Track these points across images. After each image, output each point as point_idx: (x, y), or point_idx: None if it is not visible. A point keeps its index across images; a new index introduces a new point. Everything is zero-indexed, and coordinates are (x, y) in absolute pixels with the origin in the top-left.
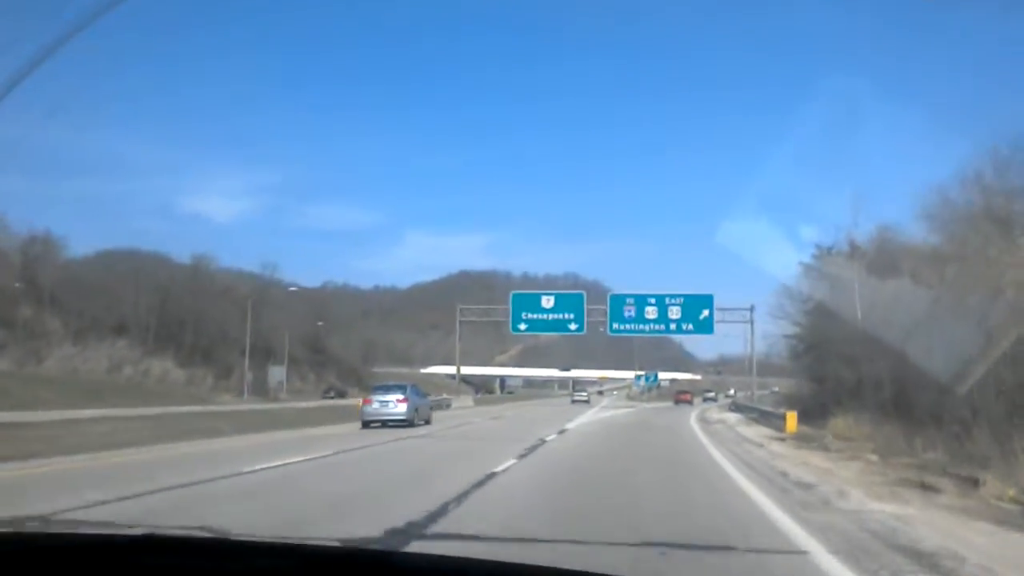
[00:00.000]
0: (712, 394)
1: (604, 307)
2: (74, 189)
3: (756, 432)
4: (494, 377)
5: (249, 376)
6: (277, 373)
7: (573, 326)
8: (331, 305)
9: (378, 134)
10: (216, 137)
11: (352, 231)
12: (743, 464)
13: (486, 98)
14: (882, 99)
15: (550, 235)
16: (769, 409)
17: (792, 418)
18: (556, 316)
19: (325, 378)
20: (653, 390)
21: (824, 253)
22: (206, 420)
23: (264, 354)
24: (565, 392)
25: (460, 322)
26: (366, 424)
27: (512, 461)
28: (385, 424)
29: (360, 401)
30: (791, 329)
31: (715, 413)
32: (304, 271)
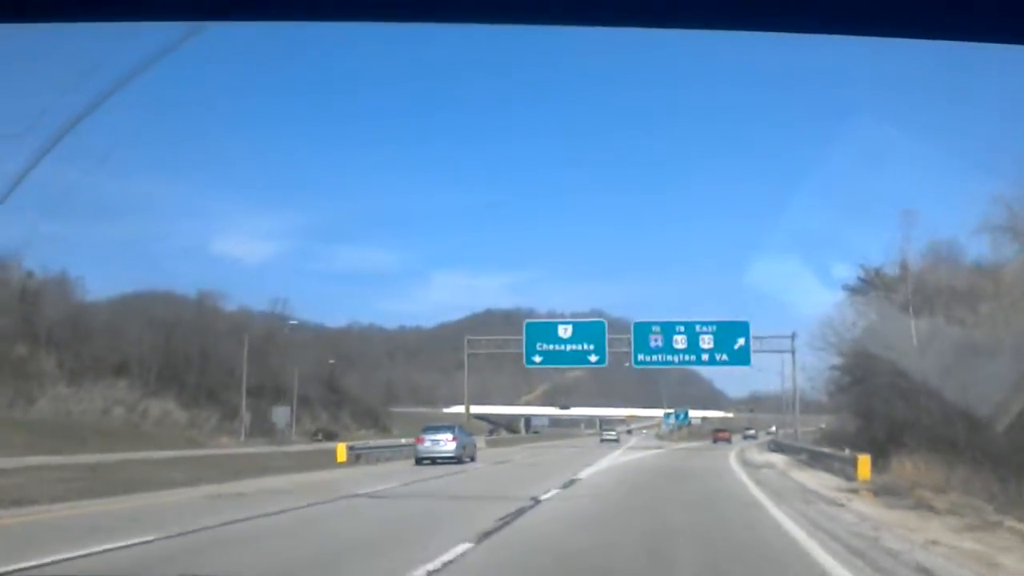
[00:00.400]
0: (752, 431)
1: (628, 336)
2: (108, 233)
3: (818, 481)
4: (518, 416)
5: (247, 417)
6: (282, 414)
7: (593, 358)
8: (350, 344)
9: (405, 173)
10: (245, 180)
11: (379, 272)
12: (844, 548)
13: (512, 135)
14: (913, 137)
15: (576, 273)
16: (821, 449)
17: (865, 464)
18: (574, 347)
19: (341, 419)
20: (683, 428)
21: (872, 275)
22: (166, 468)
23: (274, 394)
24: (592, 432)
25: (468, 355)
26: (419, 461)
27: (459, 548)
28: (435, 461)
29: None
30: (832, 361)
31: (756, 453)
32: (330, 312)
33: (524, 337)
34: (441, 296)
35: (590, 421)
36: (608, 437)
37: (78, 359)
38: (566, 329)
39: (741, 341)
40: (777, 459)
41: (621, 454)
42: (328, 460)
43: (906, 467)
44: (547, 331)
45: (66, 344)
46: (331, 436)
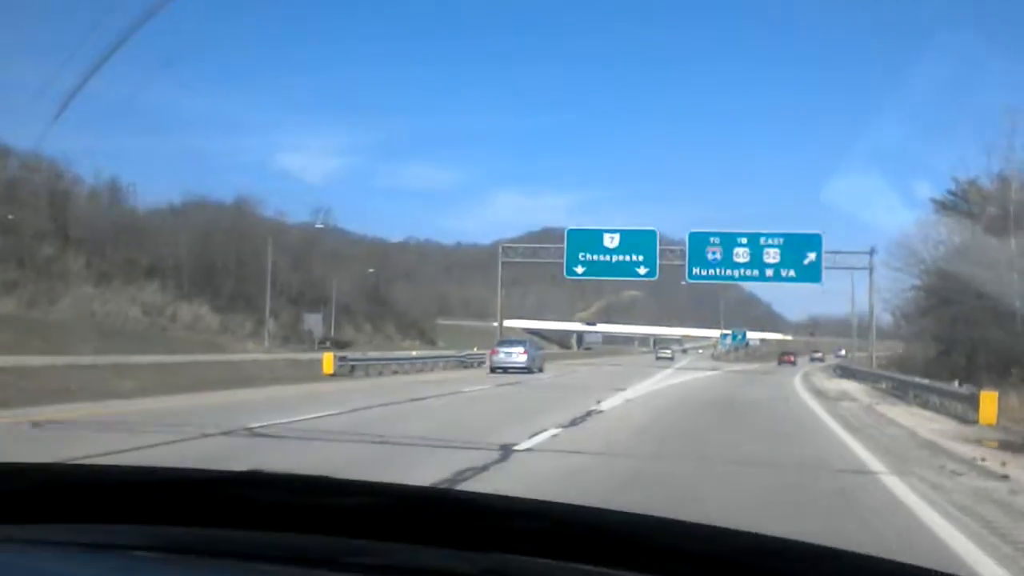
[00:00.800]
0: (819, 354)
1: (682, 248)
2: (171, 145)
3: (925, 423)
4: (571, 332)
5: (271, 323)
6: (313, 321)
7: (643, 270)
8: (406, 258)
9: (469, 92)
10: (313, 96)
11: (440, 190)
12: None
13: (580, 61)
14: (998, 55)
15: (638, 194)
16: (914, 379)
17: (991, 403)
18: (621, 258)
19: (384, 330)
20: (740, 350)
21: (965, 188)
22: (128, 373)
23: (313, 303)
24: (646, 350)
25: (503, 264)
26: (493, 370)
27: None
28: (506, 371)
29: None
30: (910, 282)
31: (824, 379)
32: (390, 227)
33: (565, 245)
34: (501, 214)
35: (644, 340)
36: (663, 355)
37: (107, 260)
38: (612, 238)
39: (812, 256)
40: (852, 387)
41: (670, 375)
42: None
43: (1012, 403)
44: (591, 239)
45: (97, 246)
46: (342, 345)
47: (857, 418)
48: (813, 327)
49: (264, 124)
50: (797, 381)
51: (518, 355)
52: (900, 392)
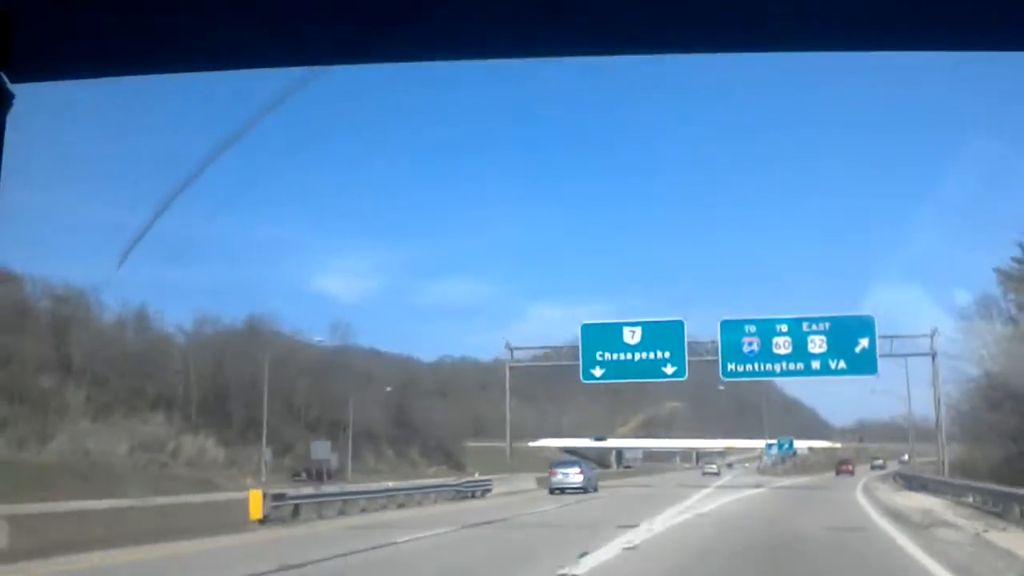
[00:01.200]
0: (880, 461)
1: (714, 341)
2: (202, 272)
3: None
4: (609, 449)
5: (267, 454)
6: (321, 449)
7: (670, 369)
8: (441, 377)
9: (502, 206)
10: (345, 218)
11: (474, 306)
12: None
13: (610, 171)
14: None
15: (673, 304)
16: (1014, 490)
17: None
18: (645, 355)
19: (408, 455)
20: (787, 461)
21: None
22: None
23: (329, 429)
24: (689, 465)
25: (509, 368)
26: (552, 491)
27: None
28: (564, 491)
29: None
30: (970, 374)
31: (891, 493)
32: (423, 346)
33: (580, 344)
34: (538, 328)
35: (686, 454)
36: (709, 470)
37: (111, 391)
38: (634, 332)
39: (864, 343)
40: (932, 504)
41: (705, 497)
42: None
43: None
44: (609, 335)
45: (99, 376)
46: (321, 476)
47: (983, 563)
48: (862, 432)
49: (295, 247)
50: (861, 497)
51: (575, 475)
52: (998, 508)
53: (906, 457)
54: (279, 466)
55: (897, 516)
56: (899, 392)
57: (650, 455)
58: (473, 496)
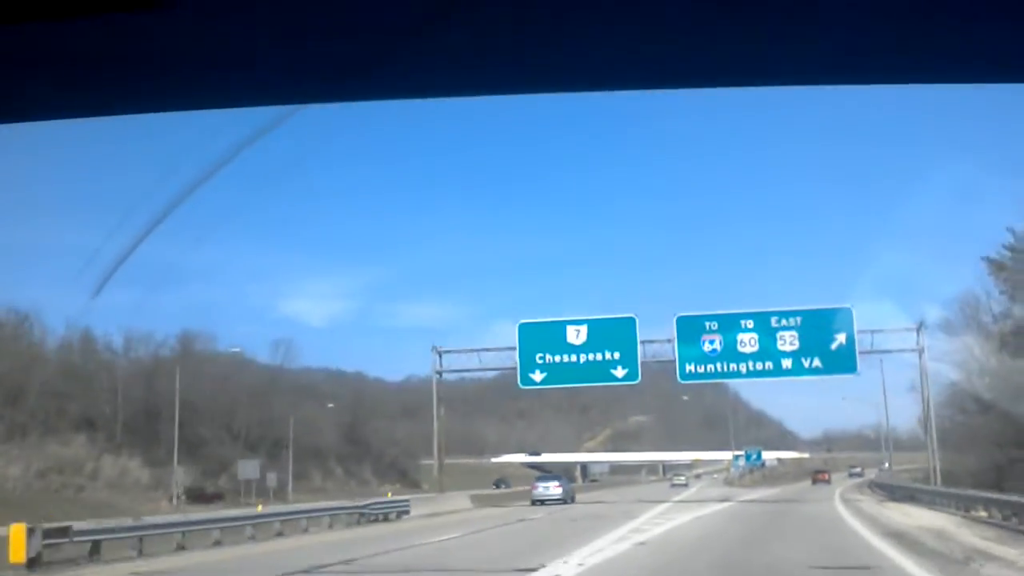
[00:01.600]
0: (858, 469)
1: (670, 339)
2: (183, 298)
3: None
4: (574, 464)
5: (179, 473)
6: (249, 469)
7: (620, 371)
8: (391, 396)
9: (462, 229)
10: (310, 243)
11: (439, 328)
12: None
13: (573, 193)
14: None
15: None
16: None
17: None
18: (591, 357)
19: (359, 474)
20: (755, 472)
21: None
22: None
23: (271, 448)
24: (655, 478)
25: (437, 373)
26: (534, 502)
27: None
28: (544, 503)
29: None
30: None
31: (877, 506)
32: (390, 367)
33: (517, 345)
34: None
35: (653, 467)
36: (678, 482)
37: (26, 412)
38: (578, 331)
39: (841, 338)
40: (935, 521)
41: (658, 515)
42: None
43: None
44: (551, 334)
45: (11, 396)
46: (211, 498)
47: None
48: (829, 443)
49: (263, 272)
50: (846, 512)
51: (554, 488)
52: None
53: (887, 465)
54: (215, 487)
55: (906, 541)
56: (872, 399)
57: (617, 468)
58: (386, 519)
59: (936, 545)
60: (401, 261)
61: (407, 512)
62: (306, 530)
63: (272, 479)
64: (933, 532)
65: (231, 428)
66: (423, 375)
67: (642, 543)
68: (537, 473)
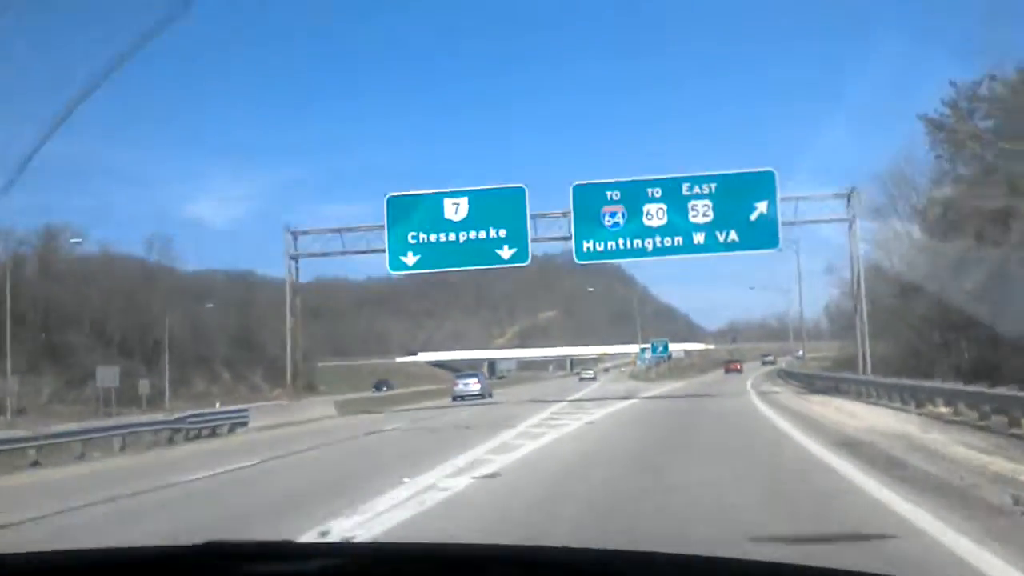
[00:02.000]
0: (770, 357)
1: (566, 212)
2: (91, 196)
3: None
4: (481, 360)
5: (13, 384)
6: (108, 376)
7: (507, 251)
8: (314, 298)
9: (370, 125)
10: (217, 146)
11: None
12: None
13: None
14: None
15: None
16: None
17: None
18: (472, 235)
19: (250, 379)
20: (662, 364)
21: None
22: None
23: (149, 353)
24: (563, 373)
25: (292, 259)
26: (455, 398)
27: None
28: (464, 398)
29: None
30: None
31: (805, 403)
32: (306, 270)
33: (385, 223)
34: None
35: (561, 362)
36: (586, 376)
37: None
38: (457, 205)
39: (762, 207)
40: (903, 423)
41: (521, 433)
42: None
43: None
44: (424, 209)
45: None
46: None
47: None
48: (734, 333)
49: (168, 175)
50: (768, 410)
51: (473, 384)
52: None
53: (800, 353)
54: (79, 397)
55: (876, 461)
56: (779, 287)
57: (525, 365)
58: (213, 434)
59: (932, 469)
60: (308, 161)
61: (244, 424)
62: (82, 456)
63: (145, 386)
64: (902, 441)
65: (103, 333)
66: (329, 276)
67: (492, 475)
68: (441, 371)
